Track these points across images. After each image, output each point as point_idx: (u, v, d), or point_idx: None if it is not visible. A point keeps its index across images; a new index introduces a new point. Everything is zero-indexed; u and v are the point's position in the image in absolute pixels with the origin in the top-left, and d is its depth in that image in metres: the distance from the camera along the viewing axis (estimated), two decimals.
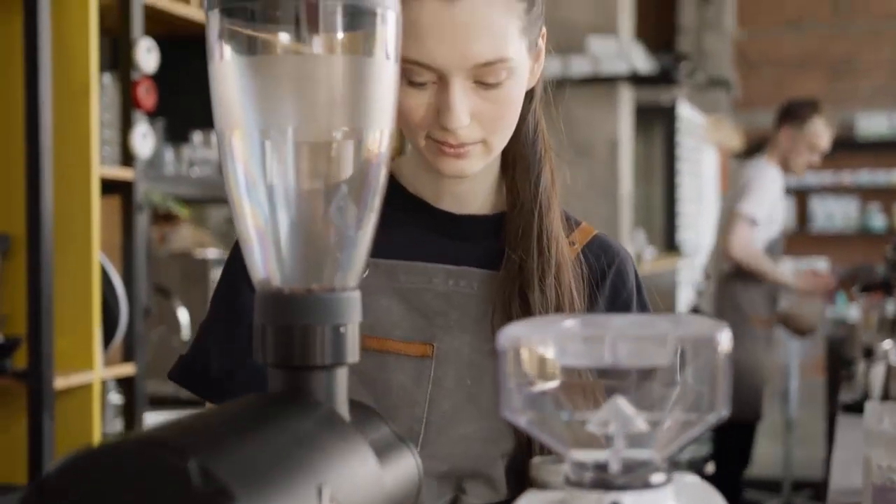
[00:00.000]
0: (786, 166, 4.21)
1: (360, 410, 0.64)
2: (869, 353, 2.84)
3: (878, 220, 8.70)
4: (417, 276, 1.13)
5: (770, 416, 4.49)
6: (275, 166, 0.61)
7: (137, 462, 0.48)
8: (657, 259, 5.62)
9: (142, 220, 2.72)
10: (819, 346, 5.23)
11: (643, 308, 1.20)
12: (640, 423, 0.58)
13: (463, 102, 1.03)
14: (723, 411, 0.58)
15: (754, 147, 7.08)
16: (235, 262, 1.15)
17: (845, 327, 4.64)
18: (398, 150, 2.25)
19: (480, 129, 1.06)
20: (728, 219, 4.14)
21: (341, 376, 0.61)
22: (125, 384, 2.73)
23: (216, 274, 3.04)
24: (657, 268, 5.43)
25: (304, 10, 0.60)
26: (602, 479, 0.58)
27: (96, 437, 2.54)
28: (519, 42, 1.05)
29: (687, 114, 6.73)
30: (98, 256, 2.53)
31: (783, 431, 5.00)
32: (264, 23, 0.61)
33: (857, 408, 2.42)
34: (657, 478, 0.58)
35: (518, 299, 1.11)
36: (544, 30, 1.13)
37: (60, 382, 2.41)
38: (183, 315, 3.00)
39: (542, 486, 0.66)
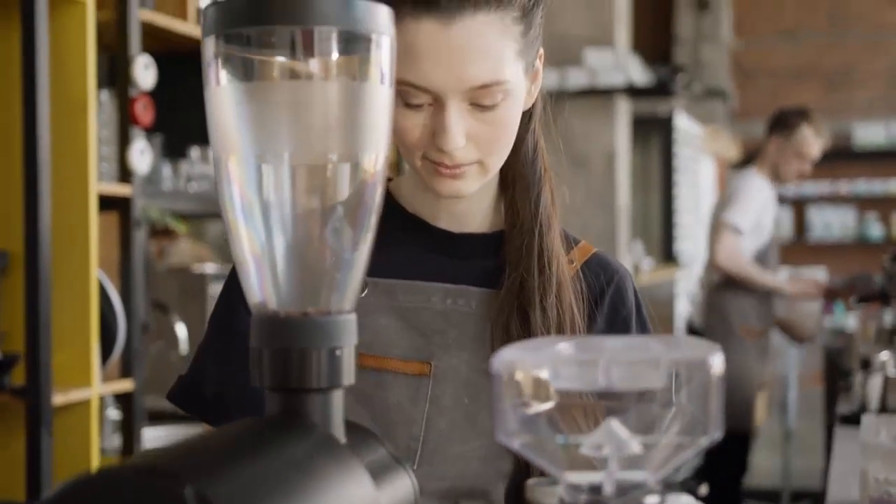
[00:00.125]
0: (776, 175, 4.21)
1: (357, 432, 0.64)
2: (866, 365, 2.84)
3: (875, 230, 8.72)
4: (416, 294, 1.13)
5: (769, 427, 4.49)
6: (271, 190, 0.62)
7: (134, 489, 0.48)
8: (655, 270, 5.63)
9: (140, 236, 2.72)
10: (817, 357, 5.24)
11: (643, 326, 1.20)
12: (634, 445, 0.59)
13: (458, 124, 1.03)
14: (716, 434, 0.59)
15: (751, 157, 7.09)
16: (233, 285, 1.16)
17: (843, 337, 4.63)
18: (396, 170, 2.26)
19: (476, 150, 1.06)
20: (713, 228, 4.17)
21: (337, 399, 0.62)
22: (123, 400, 2.73)
23: (214, 289, 3.04)
24: (655, 279, 5.43)
25: (300, 36, 0.60)
26: (596, 501, 0.58)
27: (95, 454, 2.54)
28: (515, 64, 1.05)
29: (684, 125, 6.75)
30: (96, 272, 2.53)
31: (782, 442, 5.00)
32: (260, 48, 0.61)
33: (854, 419, 2.41)
34: (651, 499, 0.59)
35: (518, 318, 1.11)
36: (542, 51, 1.13)
37: (59, 398, 2.41)
38: (181, 330, 3.00)
39: None
